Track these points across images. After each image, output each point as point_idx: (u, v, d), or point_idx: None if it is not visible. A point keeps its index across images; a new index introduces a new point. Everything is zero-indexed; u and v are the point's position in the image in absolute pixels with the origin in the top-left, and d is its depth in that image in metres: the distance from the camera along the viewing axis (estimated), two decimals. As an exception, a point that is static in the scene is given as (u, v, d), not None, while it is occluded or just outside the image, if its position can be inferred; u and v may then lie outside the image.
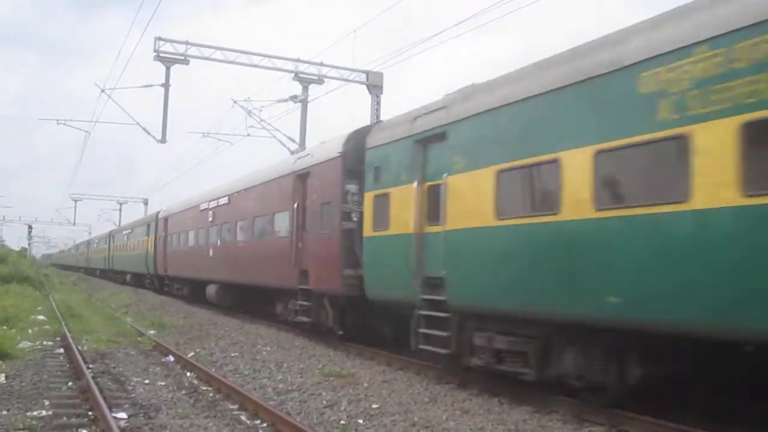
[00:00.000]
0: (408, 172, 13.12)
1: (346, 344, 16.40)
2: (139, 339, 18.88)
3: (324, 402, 10.72)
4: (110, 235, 59.54)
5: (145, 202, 78.71)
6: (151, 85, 27.58)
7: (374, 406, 10.41)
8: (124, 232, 51.90)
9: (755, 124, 7.09)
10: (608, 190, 8.88)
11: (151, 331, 20.47)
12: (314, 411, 10.17)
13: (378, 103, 30.37)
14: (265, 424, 9.43)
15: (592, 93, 9.11)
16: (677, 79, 7.93)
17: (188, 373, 13.55)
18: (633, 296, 8.33)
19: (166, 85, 27.17)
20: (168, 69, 27.19)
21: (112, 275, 56.74)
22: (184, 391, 11.70)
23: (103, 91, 28.84)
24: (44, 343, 17.58)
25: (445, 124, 12.13)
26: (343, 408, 10.30)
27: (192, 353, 16.03)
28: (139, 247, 43.39)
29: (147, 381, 12.64)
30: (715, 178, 7.45)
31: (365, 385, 12.04)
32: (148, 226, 40.72)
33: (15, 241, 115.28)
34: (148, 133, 27.96)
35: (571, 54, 9.92)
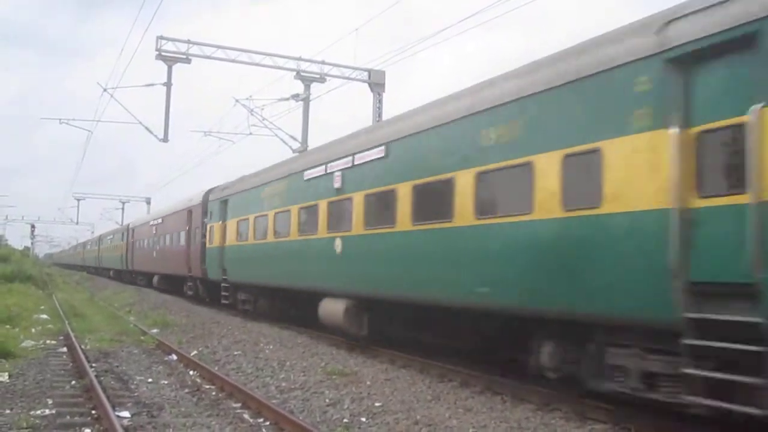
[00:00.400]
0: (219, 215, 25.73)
1: (349, 343, 16.43)
2: (141, 338, 18.92)
3: (327, 400, 10.73)
4: (99, 239, 70.21)
5: (148, 201, 78.82)
6: (153, 84, 27.67)
7: (377, 404, 10.41)
8: (108, 237, 64.55)
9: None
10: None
11: (154, 330, 20.50)
12: (317, 409, 10.18)
13: (380, 101, 30.40)
14: (268, 423, 9.44)
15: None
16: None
17: (191, 372, 13.56)
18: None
19: (168, 84, 27.23)
20: (170, 68, 27.24)
21: (102, 271, 67.95)
22: (187, 390, 11.71)
23: (105, 90, 28.91)
24: (47, 342, 17.60)
25: (228, 195, 25.41)
26: (345, 406, 10.31)
27: (195, 352, 16.05)
28: (118, 248, 55.70)
29: (150, 380, 12.65)
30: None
31: (368, 383, 12.04)
32: (123, 233, 53.65)
33: (18, 240, 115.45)
34: (151, 132, 28.05)
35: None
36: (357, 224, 15.13)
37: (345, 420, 9.55)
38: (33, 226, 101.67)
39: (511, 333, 11.20)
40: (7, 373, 12.52)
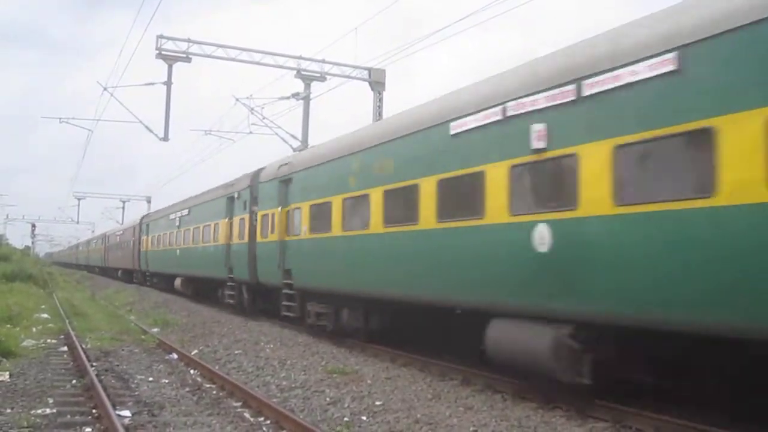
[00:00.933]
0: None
1: (350, 341, 16.41)
2: (142, 337, 18.92)
3: (327, 399, 10.73)
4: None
5: (148, 200, 78.85)
6: (153, 83, 27.64)
7: (377, 402, 10.41)
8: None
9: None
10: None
11: (155, 329, 20.51)
12: (317, 408, 10.18)
13: (380, 100, 30.37)
14: (268, 422, 9.44)
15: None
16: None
17: (192, 371, 13.56)
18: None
19: (168, 83, 27.21)
20: (170, 67, 27.22)
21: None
22: (187, 389, 11.71)
23: (105, 89, 28.89)
24: (48, 341, 17.60)
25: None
26: (346, 405, 10.31)
27: (195, 351, 16.05)
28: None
29: (151, 379, 12.65)
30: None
31: (368, 382, 12.04)
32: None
33: (18, 239, 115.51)
34: (151, 131, 28.00)
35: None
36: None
37: (345, 419, 9.55)
38: (33, 226, 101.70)
39: None
40: (7, 373, 12.52)
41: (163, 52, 26.88)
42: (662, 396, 9.40)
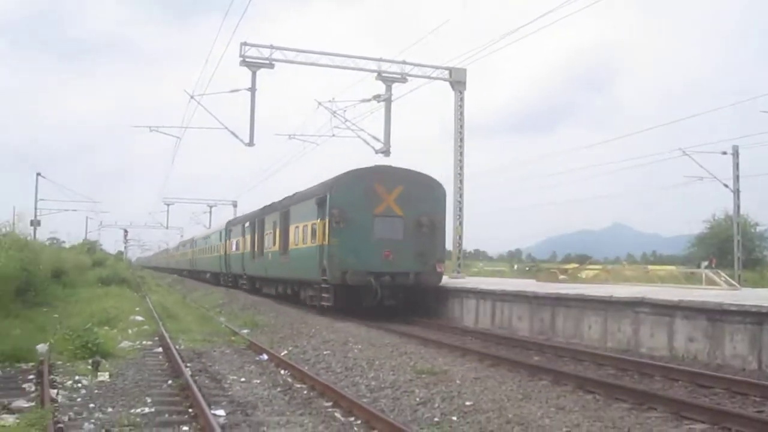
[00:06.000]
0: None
1: (438, 342, 16.39)
2: (233, 338, 19.33)
3: (417, 399, 10.73)
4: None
5: (234, 205, 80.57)
6: (237, 90, 28.23)
7: (467, 402, 10.35)
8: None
9: None
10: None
11: (245, 330, 20.94)
12: (407, 408, 10.20)
13: (462, 99, 30.30)
14: (359, 421, 9.50)
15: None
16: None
17: (282, 371, 13.78)
18: None
19: (252, 89, 27.81)
20: (254, 73, 27.84)
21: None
22: (279, 389, 11.90)
23: (192, 97, 29.63)
24: (143, 342, 18.12)
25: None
26: (436, 405, 10.29)
27: (285, 351, 16.30)
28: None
29: (243, 379, 12.91)
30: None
31: (458, 382, 11.99)
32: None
33: (112, 245, 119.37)
34: (236, 136, 28.65)
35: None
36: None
37: (436, 419, 9.54)
38: (126, 231, 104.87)
39: None
40: (107, 373, 12.98)
41: (247, 60, 27.51)
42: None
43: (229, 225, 46.90)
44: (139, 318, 24.15)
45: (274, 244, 31.20)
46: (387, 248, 23.00)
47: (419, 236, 23.36)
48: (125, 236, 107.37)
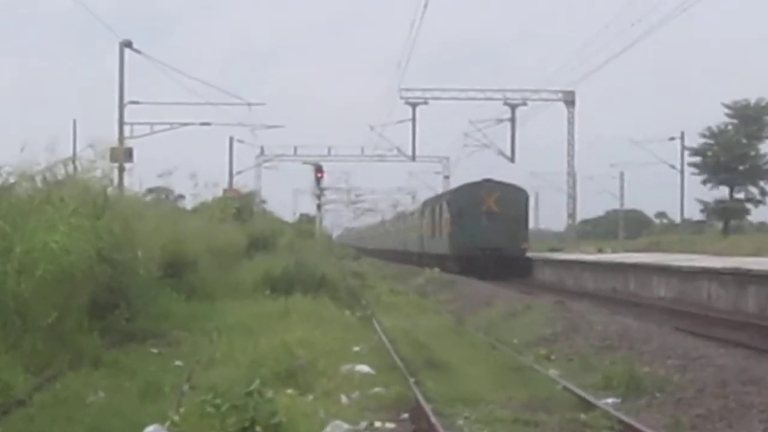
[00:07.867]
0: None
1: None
2: (582, 416, 8.43)
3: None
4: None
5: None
6: (403, 121, 41.60)
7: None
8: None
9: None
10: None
11: (609, 400, 9.30)
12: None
13: (572, 116, 40.75)
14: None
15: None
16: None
17: None
18: None
19: (413, 120, 40.93)
20: (413, 108, 40.74)
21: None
22: None
23: (372, 128, 43.79)
24: (376, 424, 8.22)
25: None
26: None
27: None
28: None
29: None
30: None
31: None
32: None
33: (277, 199, 75.70)
34: (403, 153, 41.91)
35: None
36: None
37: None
38: (319, 168, 40.76)
39: None
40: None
41: (408, 100, 40.30)
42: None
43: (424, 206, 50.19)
44: (363, 367, 11.25)
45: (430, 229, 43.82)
46: (488, 233, 34.87)
47: (509, 225, 35.03)
48: (317, 181, 41.88)
